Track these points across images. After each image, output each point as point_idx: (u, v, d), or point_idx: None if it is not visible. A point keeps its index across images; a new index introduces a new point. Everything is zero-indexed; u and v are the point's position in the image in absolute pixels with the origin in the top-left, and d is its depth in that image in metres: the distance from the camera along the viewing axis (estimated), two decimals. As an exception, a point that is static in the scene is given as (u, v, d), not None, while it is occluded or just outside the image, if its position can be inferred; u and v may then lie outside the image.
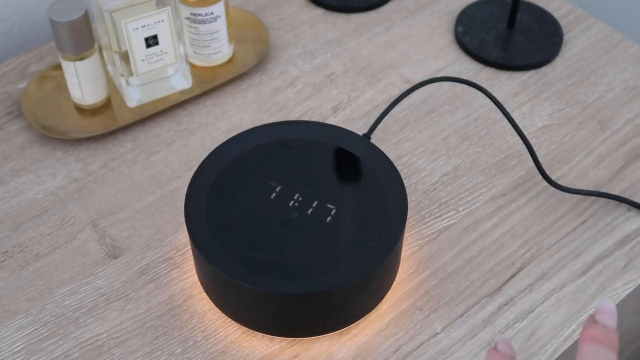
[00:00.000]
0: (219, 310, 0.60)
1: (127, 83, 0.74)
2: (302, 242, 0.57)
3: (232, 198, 0.60)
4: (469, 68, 0.81)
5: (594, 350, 0.37)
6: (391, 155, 0.72)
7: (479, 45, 0.82)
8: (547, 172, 0.70)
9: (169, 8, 0.70)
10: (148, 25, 0.70)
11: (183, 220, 0.67)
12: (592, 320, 0.38)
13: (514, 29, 0.84)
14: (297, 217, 0.58)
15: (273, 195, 0.60)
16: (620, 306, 0.63)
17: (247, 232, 0.58)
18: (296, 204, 0.59)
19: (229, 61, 0.80)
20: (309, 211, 0.59)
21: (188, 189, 0.60)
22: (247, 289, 0.55)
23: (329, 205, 0.59)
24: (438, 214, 0.68)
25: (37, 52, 0.82)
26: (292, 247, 0.57)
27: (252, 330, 0.60)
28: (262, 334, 0.59)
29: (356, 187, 0.61)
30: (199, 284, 0.62)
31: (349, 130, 0.65)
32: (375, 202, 0.59)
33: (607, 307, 0.38)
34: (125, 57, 0.71)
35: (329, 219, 0.58)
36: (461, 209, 0.68)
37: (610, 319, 0.38)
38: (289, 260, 0.56)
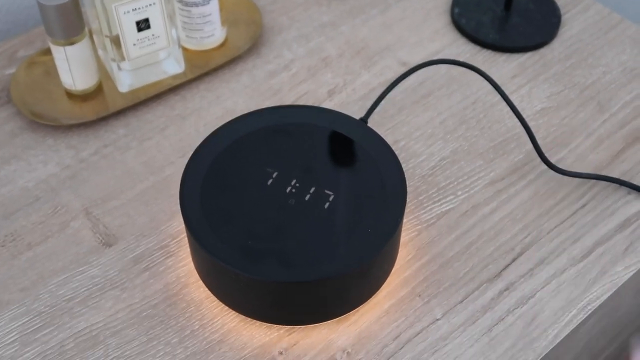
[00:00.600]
0: (216, 299, 0.59)
1: (119, 68, 0.72)
2: (300, 229, 0.56)
3: (228, 185, 0.59)
4: (465, 50, 0.80)
5: None
6: (388, 140, 0.71)
7: (476, 27, 0.81)
8: (546, 155, 0.69)
9: (160, -9, 0.68)
10: (139, 8, 0.68)
11: (177, 207, 0.66)
12: None
13: (511, 10, 0.82)
14: (294, 204, 0.57)
15: (270, 182, 0.59)
16: (621, 290, 0.62)
17: (243, 219, 0.57)
18: (293, 190, 0.58)
19: (222, 45, 0.79)
20: (307, 197, 0.58)
21: (183, 176, 0.59)
22: (244, 277, 0.54)
23: (327, 191, 0.58)
24: (436, 199, 0.67)
25: (25, 36, 0.80)
26: (290, 234, 0.56)
27: (249, 319, 0.59)
28: (260, 322, 0.59)
29: (354, 173, 0.60)
30: (195, 272, 0.61)
31: (346, 115, 0.64)
32: (373, 188, 0.59)
33: None
34: (116, 41, 0.70)
35: (326, 205, 0.57)
36: (460, 193, 0.67)
37: None
38: (287, 247, 0.55)
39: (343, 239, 0.56)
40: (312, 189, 0.58)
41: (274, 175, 0.59)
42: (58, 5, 0.66)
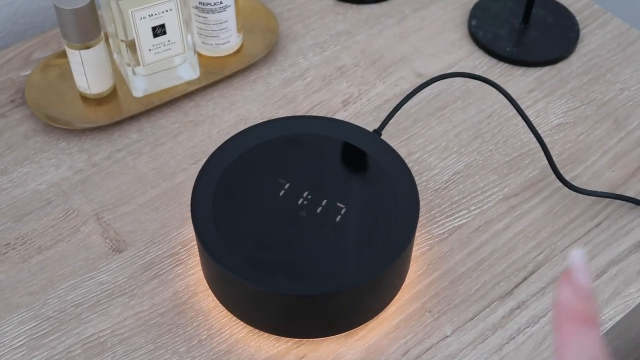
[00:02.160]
0: (225, 309, 0.59)
1: (134, 73, 0.72)
2: (311, 241, 0.56)
3: (240, 194, 0.58)
4: (482, 63, 0.79)
5: (577, 336, 0.29)
6: (402, 152, 0.70)
7: (493, 40, 0.80)
8: (561, 172, 0.69)
9: (177, -3, 0.68)
10: (156, 14, 0.68)
11: (188, 214, 0.66)
12: (566, 282, 0.29)
13: (529, 24, 0.82)
14: (305, 216, 0.57)
15: (281, 193, 0.58)
16: (634, 312, 0.61)
17: (254, 230, 0.56)
18: (305, 202, 0.58)
19: (238, 52, 0.78)
20: (318, 210, 0.57)
21: (194, 185, 0.59)
22: (253, 288, 0.54)
23: (339, 204, 0.58)
24: (449, 213, 0.66)
25: (41, 38, 0.80)
26: (300, 247, 0.56)
27: (258, 330, 0.58)
28: (268, 333, 0.58)
29: (367, 186, 0.59)
30: (204, 280, 0.61)
31: (360, 127, 0.63)
32: (385, 202, 0.58)
33: (579, 260, 0.29)
34: (131, 46, 0.70)
35: (338, 218, 0.57)
36: (473, 208, 0.67)
37: (585, 279, 0.29)
38: (297, 260, 0.55)
39: (354, 253, 0.55)
40: (324, 202, 0.58)
41: (286, 186, 0.59)
42: (75, 9, 0.66)
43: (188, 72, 0.75)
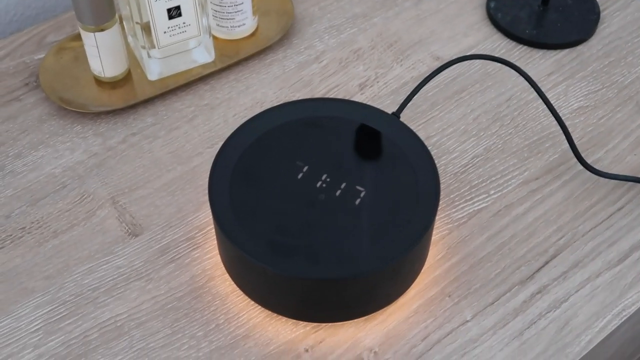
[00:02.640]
0: (242, 293, 0.59)
1: (149, 55, 0.71)
2: (330, 225, 0.55)
3: (257, 178, 0.58)
4: (501, 46, 0.78)
5: None
6: (420, 136, 0.69)
7: (512, 22, 0.79)
8: (583, 155, 0.68)
9: (192, -22, 0.67)
10: (171, -5, 0.67)
11: (205, 198, 0.65)
12: None
13: (549, 6, 0.80)
14: (324, 199, 0.56)
15: (300, 176, 0.58)
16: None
17: (272, 214, 0.56)
18: (324, 185, 0.57)
19: (253, 34, 0.78)
20: (337, 193, 0.57)
21: (212, 168, 0.58)
22: (271, 272, 0.53)
23: (358, 187, 0.57)
24: (468, 197, 0.65)
25: (55, 21, 0.80)
26: (319, 230, 0.55)
27: (275, 314, 0.58)
28: (286, 318, 0.58)
29: (386, 169, 0.59)
30: (221, 265, 0.61)
31: (378, 109, 0.62)
32: (405, 185, 0.57)
33: None
34: (146, 28, 0.69)
35: (357, 201, 0.56)
36: (492, 192, 0.66)
37: None
38: (316, 243, 0.54)
39: (373, 237, 0.55)
40: (343, 185, 0.57)
41: (305, 169, 0.58)
42: (89, -10, 0.65)
43: (203, 55, 0.74)
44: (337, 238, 0.54)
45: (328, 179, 0.57)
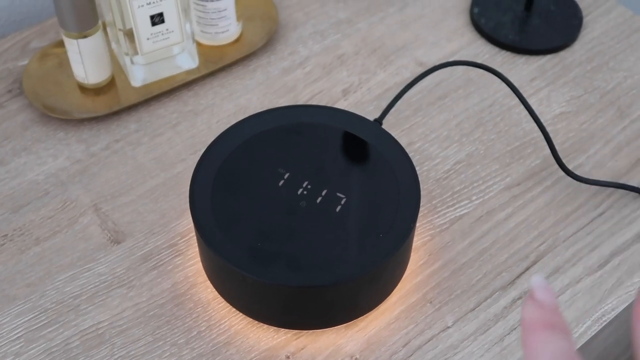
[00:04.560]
0: (224, 300, 0.59)
1: (132, 62, 0.71)
2: (311, 232, 0.55)
3: (239, 184, 0.58)
4: (484, 51, 0.78)
5: (546, 339, 0.29)
6: (403, 141, 0.70)
7: (495, 28, 0.79)
8: (564, 161, 0.68)
9: (175, -15, 0.67)
10: (154, 2, 0.67)
11: (187, 205, 0.65)
12: (530, 302, 0.31)
13: (532, 11, 0.81)
14: (305, 206, 0.56)
15: (281, 183, 0.58)
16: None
17: (253, 221, 0.56)
18: (305, 192, 0.57)
19: (237, 40, 0.78)
20: (318, 200, 0.57)
21: (193, 175, 0.58)
22: (252, 279, 0.53)
23: (339, 194, 0.57)
24: (450, 203, 0.66)
25: (39, 27, 0.80)
26: (300, 237, 0.55)
27: (257, 321, 0.58)
28: (267, 325, 0.58)
29: (367, 176, 0.59)
30: (203, 272, 0.61)
31: (360, 116, 0.62)
32: (386, 192, 0.57)
33: (539, 282, 0.31)
34: (130, 35, 0.69)
35: (338, 208, 0.56)
36: (474, 198, 0.66)
37: (548, 296, 0.31)
38: (297, 250, 0.54)
39: (354, 243, 0.55)
40: (324, 192, 0.57)
41: (286, 176, 0.58)
42: (71, -3, 0.65)
43: (187, 61, 0.74)
44: (318, 245, 0.55)
45: (309, 186, 0.58)
